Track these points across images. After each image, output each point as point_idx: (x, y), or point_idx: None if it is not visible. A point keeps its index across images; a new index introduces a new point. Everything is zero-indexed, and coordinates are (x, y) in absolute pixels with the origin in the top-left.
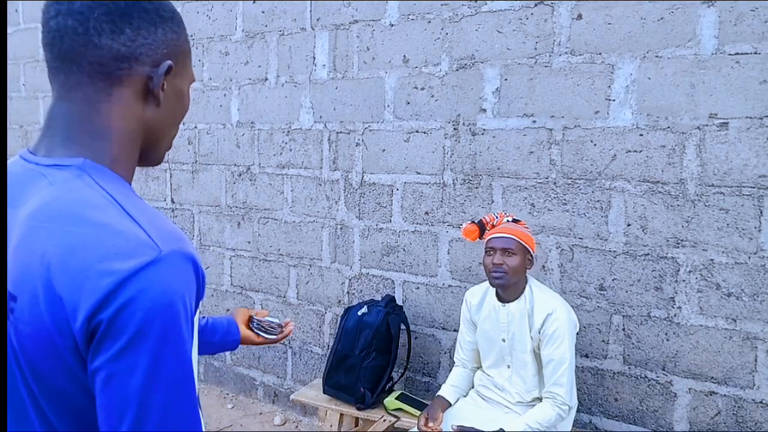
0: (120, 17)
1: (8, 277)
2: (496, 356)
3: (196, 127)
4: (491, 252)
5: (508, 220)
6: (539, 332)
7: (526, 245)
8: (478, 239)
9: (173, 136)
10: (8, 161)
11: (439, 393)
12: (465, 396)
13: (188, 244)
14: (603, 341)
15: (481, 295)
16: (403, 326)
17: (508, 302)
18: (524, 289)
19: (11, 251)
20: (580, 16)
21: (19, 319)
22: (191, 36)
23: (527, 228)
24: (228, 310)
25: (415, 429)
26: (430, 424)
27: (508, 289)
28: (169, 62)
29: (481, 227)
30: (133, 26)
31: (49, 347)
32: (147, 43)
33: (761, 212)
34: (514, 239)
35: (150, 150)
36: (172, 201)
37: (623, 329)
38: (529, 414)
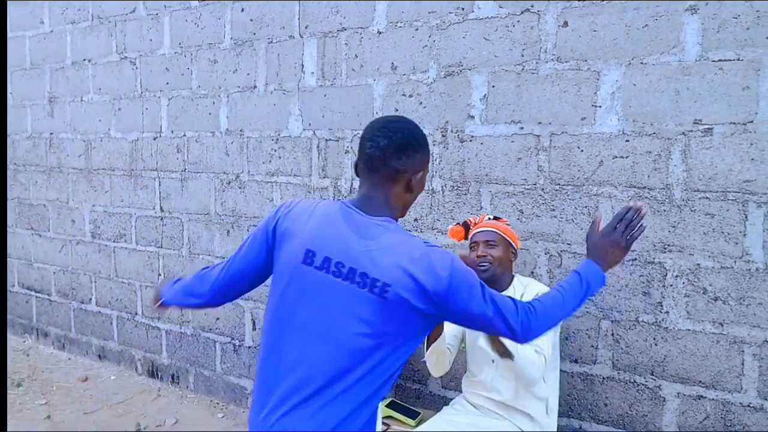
0: (402, 149)
1: (377, 272)
2: (482, 352)
3: (184, 135)
4: (474, 246)
5: (489, 218)
6: None
7: (507, 237)
8: (463, 240)
9: (410, 206)
10: (338, 204)
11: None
12: (453, 402)
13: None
14: (592, 346)
15: None
16: None
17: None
18: (512, 281)
19: (375, 258)
20: (566, 24)
21: (389, 294)
22: (179, 44)
23: (508, 224)
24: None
25: None
26: None
27: (495, 283)
28: (421, 172)
29: (466, 228)
30: (407, 154)
31: (408, 308)
32: (412, 162)
33: (746, 217)
34: (494, 231)
35: (403, 213)
36: (161, 209)
37: (612, 334)
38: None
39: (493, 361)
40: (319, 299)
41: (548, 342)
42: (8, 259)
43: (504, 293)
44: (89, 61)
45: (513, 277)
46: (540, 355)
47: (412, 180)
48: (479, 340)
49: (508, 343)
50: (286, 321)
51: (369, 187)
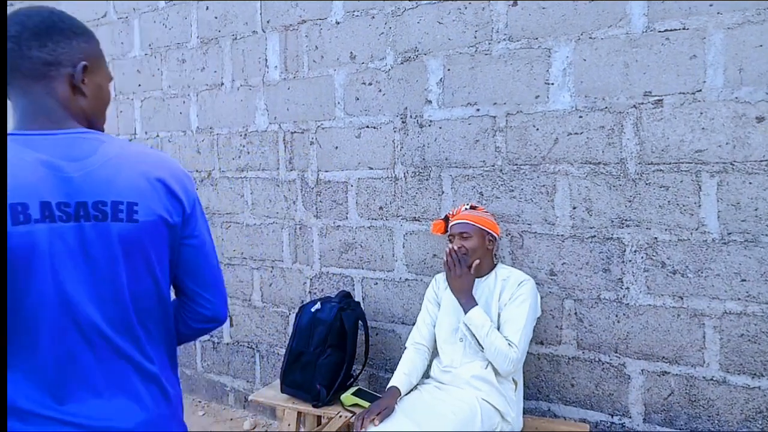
0: (43, 34)
1: (115, 193)
2: (452, 330)
3: (158, 135)
4: (451, 238)
5: (466, 208)
6: (509, 298)
7: (481, 227)
8: (444, 232)
9: (104, 120)
10: (9, 138)
11: (391, 384)
12: (419, 383)
13: None
14: (557, 327)
15: None
16: (360, 322)
17: (477, 278)
18: (494, 268)
19: (106, 176)
20: (515, 3)
21: (140, 214)
22: (149, 45)
23: (485, 212)
24: None
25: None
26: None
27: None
28: (83, 62)
29: (446, 220)
30: (54, 40)
31: (161, 226)
32: (65, 51)
33: (700, 188)
34: (468, 223)
35: (92, 125)
36: None
37: (575, 313)
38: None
39: (461, 339)
40: (61, 262)
41: (523, 336)
42: None
43: (484, 280)
44: None
45: (495, 264)
46: (512, 347)
47: (74, 76)
48: (458, 318)
49: (478, 334)
50: (42, 306)
51: (22, 98)
